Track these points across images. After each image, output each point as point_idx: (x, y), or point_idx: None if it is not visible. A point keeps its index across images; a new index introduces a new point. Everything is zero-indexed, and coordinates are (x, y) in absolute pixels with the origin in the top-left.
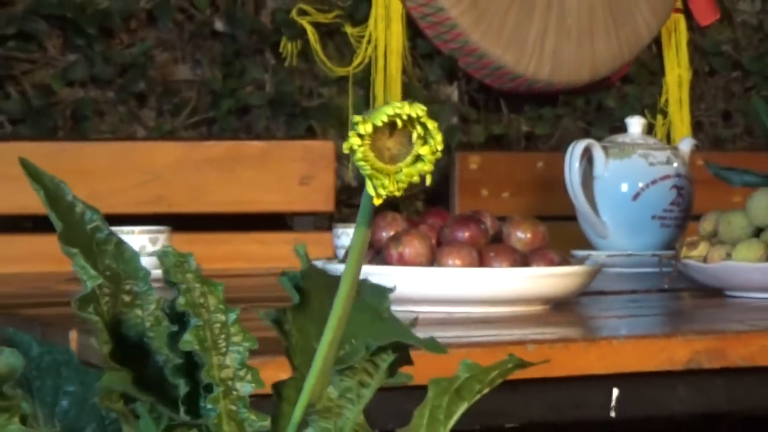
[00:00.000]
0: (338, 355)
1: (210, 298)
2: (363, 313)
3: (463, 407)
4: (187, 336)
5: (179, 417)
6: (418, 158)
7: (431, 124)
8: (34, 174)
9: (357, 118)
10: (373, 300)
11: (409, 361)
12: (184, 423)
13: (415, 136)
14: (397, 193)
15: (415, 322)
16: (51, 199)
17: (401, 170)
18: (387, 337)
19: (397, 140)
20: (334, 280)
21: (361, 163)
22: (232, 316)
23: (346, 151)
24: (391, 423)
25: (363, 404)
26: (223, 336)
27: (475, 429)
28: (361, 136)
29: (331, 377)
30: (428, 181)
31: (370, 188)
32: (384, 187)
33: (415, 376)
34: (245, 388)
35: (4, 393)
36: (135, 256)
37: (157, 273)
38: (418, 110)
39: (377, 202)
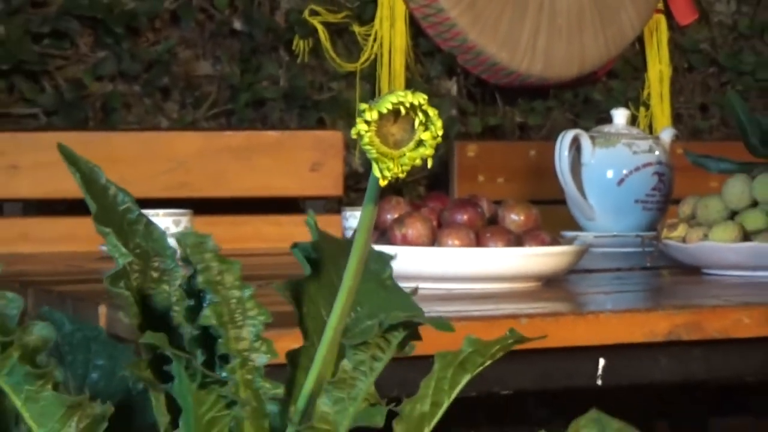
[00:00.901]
0: (345, 323)
1: (227, 276)
2: (368, 282)
3: (466, 378)
4: (206, 311)
5: (213, 375)
6: (420, 143)
7: (432, 112)
8: (70, 158)
9: (363, 105)
10: (376, 267)
11: (418, 338)
12: (217, 380)
13: (417, 122)
14: (401, 175)
15: (414, 291)
16: (86, 181)
17: (404, 154)
18: (391, 307)
19: (400, 126)
20: (343, 247)
21: (368, 147)
22: (248, 292)
23: (354, 137)
24: (396, 390)
25: (375, 376)
26: (239, 311)
27: (473, 396)
28: (367, 122)
29: (346, 351)
30: (429, 164)
31: (376, 171)
32: (389, 170)
33: (419, 347)
34: (260, 359)
35: (37, 363)
36: (163, 235)
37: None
38: (420, 98)
39: (383, 183)
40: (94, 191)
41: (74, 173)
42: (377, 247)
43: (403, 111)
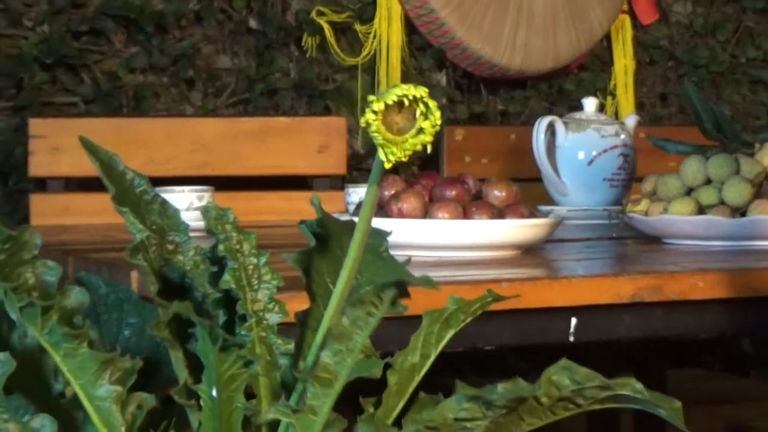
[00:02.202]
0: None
1: (245, 245)
2: (367, 254)
3: (450, 333)
4: (226, 276)
5: (233, 339)
6: (421, 131)
7: (432, 103)
8: (90, 148)
9: (371, 97)
10: (374, 241)
11: (407, 295)
12: (236, 343)
13: (418, 112)
14: (404, 159)
15: (408, 261)
16: (105, 168)
17: (407, 140)
18: (387, 275)
19: (404, 116)
20: (343, 224)
21: (375, 134)
22: (263, 259)
23: (362, 125)
24: (392, 346)
25: (370, 330)
26: (255, 276)
27: (459, 350)
28: (375, 112)
29: (345, 308)
30: (429, 149)
31: (381, 155)
32: (393, 154)
33: (412, 308)
34: (273, 318)
35: (74, 323)
36: (177, 212)
37: (199, 224)
38: (421, 91)
39: (387, 166)
40: (113, 176)
41: (94, 162)
42: (376, 221)
43: (406, 102)
